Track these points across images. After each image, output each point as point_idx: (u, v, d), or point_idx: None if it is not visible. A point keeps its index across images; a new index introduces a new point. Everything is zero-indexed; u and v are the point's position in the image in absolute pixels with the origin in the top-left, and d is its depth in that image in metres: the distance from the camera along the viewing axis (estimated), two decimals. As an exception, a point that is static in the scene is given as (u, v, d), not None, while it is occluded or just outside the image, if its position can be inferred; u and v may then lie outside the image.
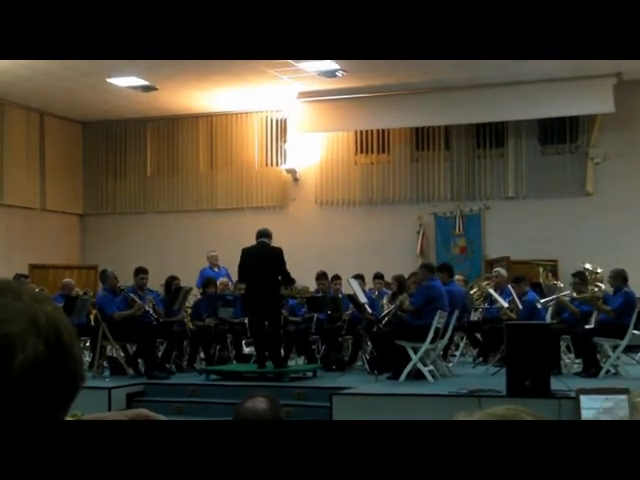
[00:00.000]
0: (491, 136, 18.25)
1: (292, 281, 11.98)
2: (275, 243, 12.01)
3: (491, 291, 13.59)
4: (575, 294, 12.06)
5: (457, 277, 14.63)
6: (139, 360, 12.25)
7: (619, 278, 11.67)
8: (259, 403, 3.36)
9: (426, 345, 10.96)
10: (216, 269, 16.04)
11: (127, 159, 20.64)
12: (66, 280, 14.27)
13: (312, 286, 14.13)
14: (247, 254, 11.70)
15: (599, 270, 13.31)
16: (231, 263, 16.03)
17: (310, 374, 12.04)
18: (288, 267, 11.63)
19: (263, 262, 11.44)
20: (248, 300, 11.87)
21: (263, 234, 11.85)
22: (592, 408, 8.18)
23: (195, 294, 14.60)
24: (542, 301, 12.37)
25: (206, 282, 14.26)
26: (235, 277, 15.27)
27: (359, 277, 13.51)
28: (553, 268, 16.36)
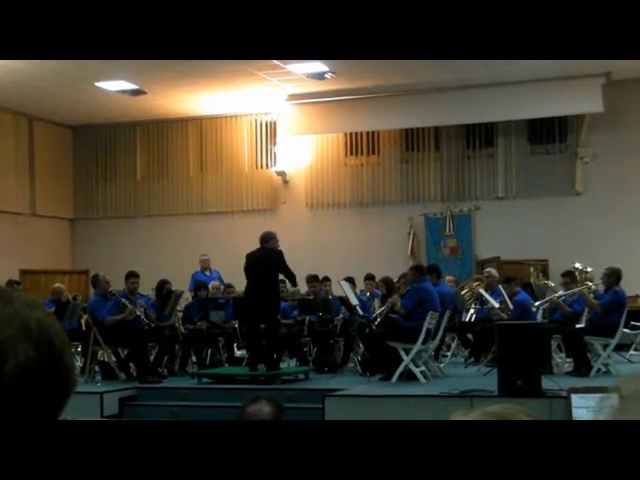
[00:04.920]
0: (480, 137, 18.28)
1: (294, 277, 11.87)
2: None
3: (482, 291, 13.61)
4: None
5: (448, 278, 14.64)
6: (131, 364, 12.24)
7: (613, 277, 11.67)
8: (263, 406, 3.39)
9: (418, 346, 10.97)
10: (208, 272, 16.02)
11: (117, 163, 20.60)
12: (56, 285, 14.21)
13: (303, 288, 14.13)
14: (249, 259, 11.74)
15: (589, 269, 13.33)
16: (222, 266, 16.05)
17: (302, 376, 12.04)
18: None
19: (262, 266, 11.45)
20: (245, 302, 11.83)
21: (262, 239, 11.82)
22: (583, 407, 8.22)
23: (187, 298, 14.59)
24: (536, 304, 12.38)
25: (198, 286, 14.25)
26: (226, 280, 15.30)
27: (349, 279, 13.53)
28: (544, 268, 16.38)
